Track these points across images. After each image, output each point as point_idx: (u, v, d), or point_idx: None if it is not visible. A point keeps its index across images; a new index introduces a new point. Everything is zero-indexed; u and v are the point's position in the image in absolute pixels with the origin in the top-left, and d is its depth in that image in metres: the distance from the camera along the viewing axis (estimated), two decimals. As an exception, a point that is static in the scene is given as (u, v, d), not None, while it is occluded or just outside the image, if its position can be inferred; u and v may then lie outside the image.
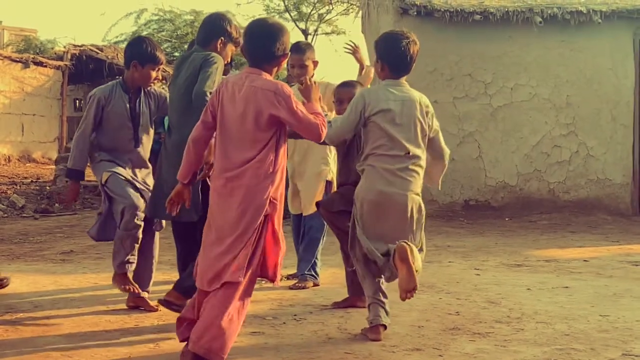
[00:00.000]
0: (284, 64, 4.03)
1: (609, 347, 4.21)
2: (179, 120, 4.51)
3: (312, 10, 20.65)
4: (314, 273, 5.88)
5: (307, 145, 5.82)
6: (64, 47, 21.13)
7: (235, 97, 3.73)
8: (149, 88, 5.02)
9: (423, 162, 4.45)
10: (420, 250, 4.42)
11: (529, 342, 4.30)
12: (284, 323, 4.72)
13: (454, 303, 5.24)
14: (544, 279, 6.25)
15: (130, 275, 4.88)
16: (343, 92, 5.13)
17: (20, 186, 13.32)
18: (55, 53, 21.04)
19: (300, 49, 5.89)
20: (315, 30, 20.85)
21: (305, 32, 20.51)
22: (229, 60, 4.79)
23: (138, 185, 4.88)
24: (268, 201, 3.70)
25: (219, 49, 4.58)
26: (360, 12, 15.12)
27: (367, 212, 4.38)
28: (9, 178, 13.62)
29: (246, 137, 3.69)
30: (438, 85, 10.73)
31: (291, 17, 20.83)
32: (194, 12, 21.63)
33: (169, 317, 4.69)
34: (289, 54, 3.96)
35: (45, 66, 18.44)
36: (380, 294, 4.48)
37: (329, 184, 5.85)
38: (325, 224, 5.60)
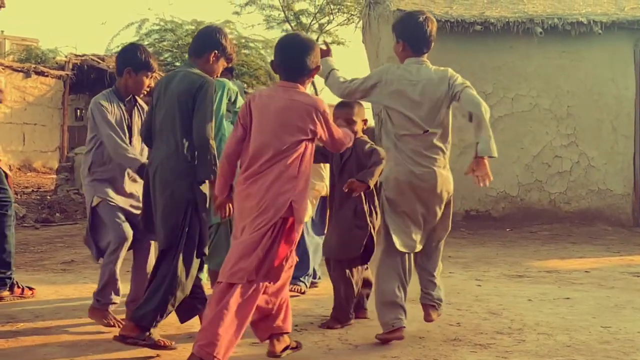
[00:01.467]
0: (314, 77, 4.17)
1: (611, 358, 4.21)
2: (162, 138, 4.25)
3: (312, 21, 20.70)
4: (305, 281, 5.97)
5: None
6: (66, 56, 21.17)
7: (269, 108, 3.86)
8: (141, 96, 4.94)
9: (444, 141, 4.52)
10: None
11: (530, 353, 4.30)
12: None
13: (455, 314, 5.23)
14: (545, 290, 6.24)
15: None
16: (339, 113, 5.10)
17: (21, 196, 13.33)
18: (57, 63, 21.08)
19: None
20: (316, 41, 20.92)
21: (306, 43, 20.56)
22: (218, 74, 4.64)
23: (130, 205, 4.76)
24: (288, 203, 3.77)
25: (211, 62, 4.45)
26: (361, 22, 15.15)
27: (397, 194, 4.46)
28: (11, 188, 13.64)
29: (278, 146, 3.81)
30: (439, 95, 10.72)
31: (291, 27, 20.86)
32: (195, 22, 21.67)
33: (170, 328, 4.68)
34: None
35: (47, 76, 18.48)
36: (402, 294, 4.52)
37: (325, 200, 5.83)
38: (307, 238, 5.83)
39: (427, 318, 4.71)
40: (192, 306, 4.38)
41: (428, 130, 4.44)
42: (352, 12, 20.18)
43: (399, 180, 4.45)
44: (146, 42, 20.67)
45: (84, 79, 21.35)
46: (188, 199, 4.13)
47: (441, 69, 4.56)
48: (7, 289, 5.54)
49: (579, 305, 5.60)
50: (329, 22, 21.04)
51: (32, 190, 14.38)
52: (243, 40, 21.12)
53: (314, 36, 20.73)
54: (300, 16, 21.03)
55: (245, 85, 17.99)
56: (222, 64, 4.55)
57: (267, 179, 3.78)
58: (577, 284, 6.58)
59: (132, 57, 4.79)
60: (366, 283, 5.16)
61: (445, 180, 4.54)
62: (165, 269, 4.11)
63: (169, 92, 4.28)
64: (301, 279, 5.91)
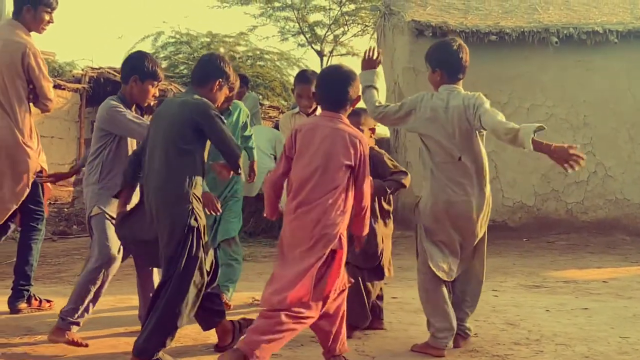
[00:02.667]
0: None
1: (630, 369, 4.18)
2: (156, 163, 4.17)
3: (327, 32, 20.72)
4: None
5: None
6: (82, 69, 21.27)
7: (315, 138, 3.98)
8: (145, 105, 4.84)
9: (480, 166, 4.52)
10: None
11: (548, 364, 4.27)
12: (302, 345, 4.70)
13: (473, 325, 5.20)
14: (563, 300, 6.21)
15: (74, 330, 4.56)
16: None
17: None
18: (74, 76, 21.18)
19: (307, 79, 5.84)
20: (331, 52, 20.89)
21: (320, 54, 20.57)
22: (220, 104, 4.62)
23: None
24: (338, 236, 3.89)
25: (214, 90, 4.40)
26: (376, 33, 15.17)
27: (433, 222, 4.50)
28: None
29: (325, 176, 3.92)
30: (454, 105, 10.72)
31: (306, 39, 20.90)
32: (210, 34, 21.76)
33: (186, 339, 4.69)
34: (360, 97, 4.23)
35: (64, 89, 18.57)
36: (448, 302, 4.58)
37: None
38: None
39: (456, 345, 4.67)
40: (210, 318, 4.39)
41: (461, 157, 4.46)
42: (367, 24, 20.19)
43: (436, 208, 4.48)
44: (162, 55, 20.79)
45: (101, 91, 21.41)
46: (188, 226, 4.07)
47: (470, 94, 4.55)
48: (25, 301, 5.56)
49: (597, 316, 5.56)
50: (343, 33, 21.05)
51: (50, 203, 14.43)
52: (258, 52, 21.18)
53: (328, 47, 20.79)
54: (315, 28, 21.06)
55: (260, 96, 18.04)
56: (224, 93, 4.50)
57: (318, 211, 3.89)
58: (595, 294, 6.54)
59: (139, 65, 4.72)
60: (379, 296, 5.16)
61: (482, 206, 4.54)
62: (165, 298, 4.06)
63: (167, 117, 4.21)
64: None
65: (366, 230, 4.14)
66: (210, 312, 4.38)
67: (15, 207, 5.45)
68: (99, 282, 4.55)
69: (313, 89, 5.76)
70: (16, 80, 5.36)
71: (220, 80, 4.41)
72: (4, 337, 4.80)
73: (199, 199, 4.19)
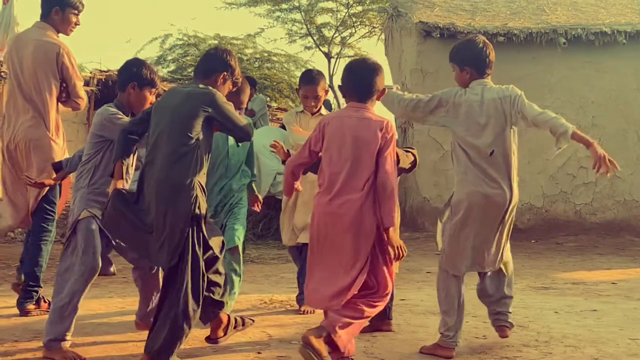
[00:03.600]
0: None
1: (639, 371, 4.17)
2: (160, 153, 4.13)
3: (334, 34, 20.70)
4: None
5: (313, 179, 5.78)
6: (90, 72, 21.33)
7: (343, 129, 4.05)
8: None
9: (511, 160, 4.59)
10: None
11: (557, 366, 4.26)
12: (310, 347, 4.70)
13: (481, 327, 5.20)
14: (572, 302, 6.19)
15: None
16: None
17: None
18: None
19: (313, 79, 5.82)
20: (338, 54, 20.89)
21: (328, 56, 20.57)
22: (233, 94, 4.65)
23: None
24: (376, 226, 3.97)
25: (218, 84, 4.36)
26: (383, 35, 15.17)
27: (467, 217, 4.49)
28: (36, 203, 13.74)
29: (358, 167, 3.99)
30: (462, 107, 10.70)
31: (314, 41, 20.89)
32: (218, 36, 21.77)
33: (194, 341, 4.70)
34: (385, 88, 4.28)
35: (72, 91, 18.64)
36: (463, 304, 4.63)
37: None
38: None
39: (503, 335, 4.72)
40: (210, 309, 4.33)
41: (494, 151, 4.49)
42: (375, 25, 20.18)
43: (470, 203, 4.49)
44: (170, 57, 20.78)
45: (109, 94, 21.43)
46: (191, 215, 4.06)
47: (503, 87, 4.62)
48: (34, 302, 5.57)
49: (606, 317, 5.55)
50: (351, 35, 21.03)
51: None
52: (266, 55, 21.19)
53: (336, 49, 20.77)
54: (322, 29, 21.05)
55: (267, 99, 18.05)
56: (228, 87, 4.47)
57: (354, 202, 3.96)
58: (604, 295, 6.52)
59: (137, 72, 4.66)
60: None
61: (512, 200, 4.58)
62: (174, 295, 4.04)
63: (172, 107, 4.18)
64: None
65: (394, 222, 4.02)
66: (210, 302, 4.28)
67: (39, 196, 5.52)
68: (85, 292, 4.48)
69: (319, 89, 5.78)
70: (50, 79, 5.51)
71: (225, 73, 4.40)
72: (13, 339, 4.81)
73: (202, 188, 4.16)
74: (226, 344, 4.77)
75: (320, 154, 4.19)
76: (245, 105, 5.34)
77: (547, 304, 6.07)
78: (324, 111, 5.91)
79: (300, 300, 5.82)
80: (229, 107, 4.25)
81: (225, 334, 4.46)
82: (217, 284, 4.33)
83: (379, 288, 4.06)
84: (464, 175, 4.52)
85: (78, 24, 5.70)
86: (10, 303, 5.90)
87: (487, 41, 4.75)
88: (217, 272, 4.33)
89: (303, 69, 19.63)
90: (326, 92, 5.90)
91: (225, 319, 4.47)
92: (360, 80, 4.19)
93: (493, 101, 4.53)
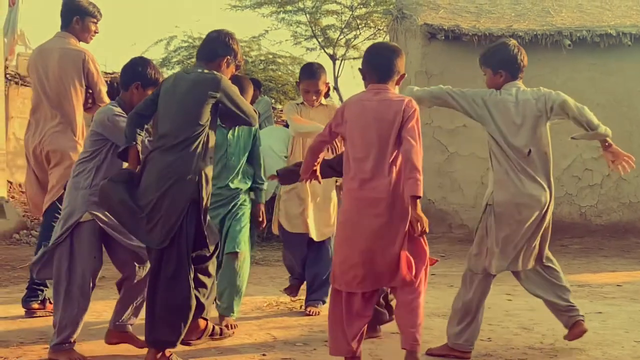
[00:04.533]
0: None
1: (645, 373, 4.16)
2: (168, 139, 4.16)
3: (339, 36, 20.68)
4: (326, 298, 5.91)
5: None
6: (95, 74, 21.41)
7: (365, 111, 4.06)
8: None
9: (547, 159, 4.64)
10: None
11: (562, 368, 4.26)
12: (315, 349, 4.71)
13: (486, 329, 5.19)
14: (577, 304, 6.15)
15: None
16: None
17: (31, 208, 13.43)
18: (87, 81, 21.26)
19: (314, 73, 5.81)
20: (343, 56, 20.89)
21: (333, 58, 20.54)
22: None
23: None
24: (409, 208, 3.97)
25: (222, 68, 4.35)
26: (388, 37, 15.18)
27: (505, 217, 4.50)
28: (41, 204, 13.76)
29: (383, 145, 4.00)
30: (467, 109, 10.69)
31: (319, 42, 20.87)
32: (222, 38, 21.77)
33: (200, 343, 4.70)
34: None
35: (77, 93, 18.69)
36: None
37: None
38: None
39: (582, 330, 4.71)
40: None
41: (531, 151, 4.53)
42: (379, 27, 20.16)
43: (513, 203, 4.50)
44: (175, 59, 20.79)
45: (114, 96, 21.44)
46: (191, 198, 4.08)
47: (535, 89, 4.69)
48: (39, 301, 5.58)
49: (611, 320, 5.54)
50: (355, 37, 21.01)
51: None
52: (271, 57, 21.19)
53: (340, 51, 20.75)
54: (327, 31, 21.04)
55: (273, 100, 18.05)
56: (231, 71, 4.46)
57: (387, 183, 3.98)
58: (609, 298, 6.51)
59: (142, 72, 4.60)
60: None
61: (551, 199, 4.61)
62: (166, 280, 4.05)
63: (180, 94, 4.18)
64: (324, 298, 5.87)
65: (418, 191, 3.92)
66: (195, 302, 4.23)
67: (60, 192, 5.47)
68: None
69: (320, 83, 5.76)
70: (77, 86, 5.64)
71: (229, 57, 4.39)
72: (18, 340, 4.82)
73: (207, 178, 4.16)
74: (231, 345, 4.78)
75: (339, 136, 4.25)
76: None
77: (552, 306, 6.05)
78: (324, 101, 5.90)
79: (307, 301, 5.84)
80: (236, 90, 4.26)
81: (199, 338, 4.41)
82: (204, 285, 4.33)
83: (417, 273, 4.06)
84: (505, 176, 4.52)
85: (97, 32, 5.88)
86: (15, 305, 5.92)
87: (518, 45, 4.79)
88: (206, 272, 4.32)
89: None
90: (326, 85, 5.89)
91: (202, 324, 4.44)
92: (381, 60, 4.19)
93: (528, 102, 4.58)
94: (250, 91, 5.40)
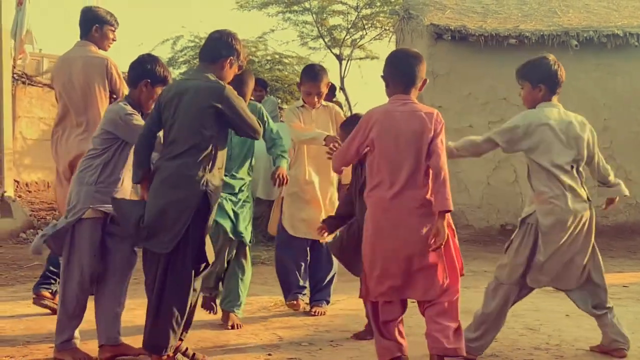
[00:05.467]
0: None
1: (651, 375, 4.15)
2: (177, 149, 4.13)
3: (345, 36, 20.67)
4: (329, 298, 5.95)
5: (326, 169, 5.68)
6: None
7: (396, 127, 4.06)
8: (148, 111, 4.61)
9: (582, 175, 4.66)
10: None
11: (568, 369, 4.25)
12: (320, 349, 4.71)
13: (492, 329, 5.19)
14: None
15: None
16: (348, 130, 5.19)
17: (58, 212, 13.49)
18: (94, 80, 21.24)
19: (317, 75, 5.78)
20: (350, 56, 20.87)
21: (339, 58, 20.54)
22: (229, 81, 4.46)
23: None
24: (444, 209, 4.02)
25: (225, 69, 4.32)
26: (394, 37, 15.17)
27: (553, 232, 4.50)
28: (48, 204, 13.73)
29: (416, 160, 4.03)
30: (473, 109, 10.70)
31: (325, 42, 20.87)
32: (229, 38, 21.77)
33: (206, 342, 4.71)
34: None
35: (84, 93, 18.71)
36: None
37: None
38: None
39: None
40: None
41: (573, 167, 4.59)
42: (386, 27, 20.15)
43: (555, 221, 4.50)
44: (181, 59, 20.82)
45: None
46: (196, 207, 4.06)
47: (571, 114, 4.78)
48: (51, 291, 5.60)
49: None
50: (361, 37, 21.00)
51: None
52: (277, 57, 21.20)
53: (346, 51, 20.74)
54: (333, 32, 21.03)
55: (279, 100, 18.05)
56: (234, 71, 4.43)
57: (421, 194, 4.02)
58: (615, 298, 6.47)
59: (152, 69, 4.53)
60: None
61: (592, 211, 4.70)
62: (162, 282, 4.06)
63: (183, 103, 4.14)
64: (327, 298, 5.90)
65: (448, 205, 4.01)
66: None
67: None
68: (90, 291, 4.49)
69: (322, 85, 5.74)
70: (101, 92, 5.73)
71: (232, 58, 4.34)
72: (25, 340, 4.83)
73: (214, 186, 4.14)
74: (236, 345, 4.79)
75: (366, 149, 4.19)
76: (248, 97, 5.26)
77: (559, 307, 6.04)
78: (324, 102, 5.88)
79: (312, 301, 5.83)
80: (239, 102, 4.21)
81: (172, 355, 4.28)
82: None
83: (451, 280, 4.09)
84: (550, 193, 4.51)
85: (115, 40, 6.03)
86: (22, 304, 5.94)
87: (557, 61, 4.81)
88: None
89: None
90: (328, 86, 5.87)
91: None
92: (405, 69, 4.19)
93: (571, 124, 4.63)
94: (251, 84, 5.33)
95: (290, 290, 5.76)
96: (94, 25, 5.86)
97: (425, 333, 4.10)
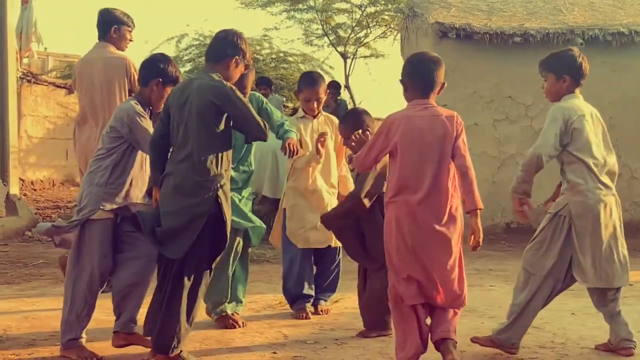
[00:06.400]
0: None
1: (657, 373, 4.14)
2: (184, 152, 4.12)
3: (350, 34, 20.65)
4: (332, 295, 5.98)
5: (326, 174, 5.74)
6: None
7: (419, 132, 4.07)
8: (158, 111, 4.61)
9: (612, 163, 4.72)
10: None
11: (573, 368, 4.24)
12: (325, 347, 4.71)
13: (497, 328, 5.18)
14: (589, 303, 6.09)
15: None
16: (348, 125, 5.30)
17: (64, 210, 13.50)
18: (99, 78, 21.24)
19: (315, 81, 5.77)
20: (354, 54, 20.84)
21: (344, 56, 20.52)
22: (235, 81, 4.44)
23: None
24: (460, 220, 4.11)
25: (231, 68, 4.31)
26: (399, 35, 15.15)
27: (587, 225, 4.53)
28: (53, 202, 13.77)
29: (440, 164, 4.05)
30: (478, 107, 10.69)
31: (330, 40, 20.85)
32: (234, 36, 21.77)
33: (210, 341, 4.72)
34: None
35: (89, 91, 18.77)
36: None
37: None
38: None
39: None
40: None
41: (605, 158, 4.64)
42: (391, 25, 20.13)
43: (591, 213, 4.53)
44: (186, 58, 20.82)
45: (125, 93, 21.42)
46: (208, 213, 4.06)
47: (590, 105, 4.78)
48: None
49: (623, 319, 5.51)
50: (366, 35, 20.97)
51: (75, 205, 14.63)
52: (282, 55, 21.19)
53: (351, 49, 20.71)
54: (338, 30, 21.01)
55: (284, 99, 18.05)
56: (240, 70, 4.41)
57: (447, 198, 4.04)
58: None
59: (164, 69, 4.54)
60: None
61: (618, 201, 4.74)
62: (175, 283, 4.05)
63: (187, 105, 4.13)
64: (330, 296, 5.90)
65: (479, 203, 4.11)
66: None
67: None
68: (99, 291, 4.51)
69: (321, 91, 5.73)
70: (122, 91, 5.85)
71: (237, 57, 4.32)
72: (30, 338, 4.84)
73: (224, 189, 4.13)
74: (242, 343, 4.79)
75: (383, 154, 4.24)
76: (248, 91, 5.24)
77: (564, 305, 6.03)
78: (323, 112, 5.87)
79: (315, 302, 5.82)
80: (242, 102, 4.16)
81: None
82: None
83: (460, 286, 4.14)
84: (585, 186, 4.54)
85: (132, 40, 6.17)
86: (27, 302, 5.95)
87: (582, 54, 4.82)
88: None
89: (319, 70, 19.68)
90: (326, 92, 5.88)
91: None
92: (425, 74, 4.20)
93: (596, 115, 4.70)
94: (251, 76, 5.29)
95: (296, 299, 5.72)
96: (113, 27, 6.00)
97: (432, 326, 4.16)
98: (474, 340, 4.68)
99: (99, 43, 6.05)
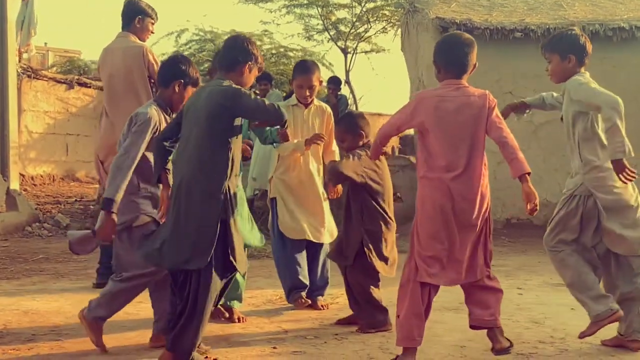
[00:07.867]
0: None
1: (656, 368, 4.14)
2: (192, 157, 4.07)
3: (351, 29, 20.63)
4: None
5: (314, 165, 5.76)
6: (107, 67, 21.40)
7: (452, 112, 4.09)
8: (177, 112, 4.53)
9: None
10: None
11: (573, 363, 4.25)
12: (325, 342, 4.72)
13: (497, 323, 5.19)
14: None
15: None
16: (348, 127, 5.29)
17: (64, 205, 13.51)
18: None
19: (308, 69, 5.76)
20: (355, 49, 20.83)
21: (344, 51, 20.51)
22: (252, 84, 4.47)
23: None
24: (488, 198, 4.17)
25: (245, 75, 4.28)
26: (400, 30, 15.15)
27: (613, 197, 4.59)
28: (54, 197, 13.76)
29: (474, 144, 4.10)
30: (478, 103, 10.67)
31: (330, 36, 20.84)
32: (234, 32, 21.73)
33: (210, 337, 4.71)
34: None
35: (89, 87, 18.66)
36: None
37: None
38: None
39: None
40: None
41: None
42: (391, 20, 20.11)
43: (608, 184, 4.61)
44: (186, 53, 20.81)
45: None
46: (220, 219, 4.00)
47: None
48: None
49: (623, 315, 5.51)
50: (366, 30, 20.96)
51: (75, 200, 14.55)
52: (282, 50, 21.19)
53: (352, 44, 20.70)
54: (339, 25, 21.00)
55: (284, 94, 18.06)
56: (254, 75, 4.38)
57: (479, 177, 4.11)
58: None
59: (186, 71, 4.50)
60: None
61: None
62: (196, 292, 3.99)
63: (197, 110, 4.10)
64: (325, 289, 5.91)
65: (527, 167, 4.16)
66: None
67: None
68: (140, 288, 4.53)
69: (314, 79, 5.72)
70: (143, 79, 6.09)
71: (250, 63, 4.28)
72: (30, 333, 4.85)
73: (233, 194, 4.09)
74: (242, 338, 4.80)
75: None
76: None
77: (564, 300, 6.03)
78: (316, 102, 5.86)
79: (313, 296, 5.81)
80: (250, 98, 4.12)
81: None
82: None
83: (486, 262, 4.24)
84: (598, 162, 4.65)
85: (153, 32, 6.42)
86: (27, 297, 5.96)
87: (584, 34, 4.85)
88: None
89: (319, 64, 19.67)
90: (320, 82, 5.87)
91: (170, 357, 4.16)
92: (458, 56, 4.24)
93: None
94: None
95: (291, 290, 5.70)
96: (137, 17, 6.23)
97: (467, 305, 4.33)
98: (603, 342, 4.66)
99: (121, 32, 6.26)
